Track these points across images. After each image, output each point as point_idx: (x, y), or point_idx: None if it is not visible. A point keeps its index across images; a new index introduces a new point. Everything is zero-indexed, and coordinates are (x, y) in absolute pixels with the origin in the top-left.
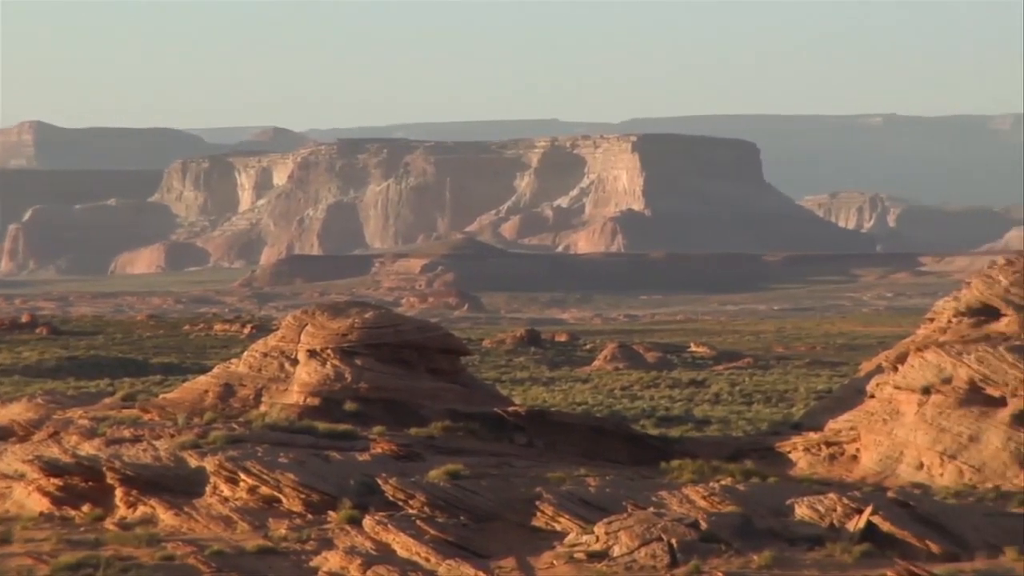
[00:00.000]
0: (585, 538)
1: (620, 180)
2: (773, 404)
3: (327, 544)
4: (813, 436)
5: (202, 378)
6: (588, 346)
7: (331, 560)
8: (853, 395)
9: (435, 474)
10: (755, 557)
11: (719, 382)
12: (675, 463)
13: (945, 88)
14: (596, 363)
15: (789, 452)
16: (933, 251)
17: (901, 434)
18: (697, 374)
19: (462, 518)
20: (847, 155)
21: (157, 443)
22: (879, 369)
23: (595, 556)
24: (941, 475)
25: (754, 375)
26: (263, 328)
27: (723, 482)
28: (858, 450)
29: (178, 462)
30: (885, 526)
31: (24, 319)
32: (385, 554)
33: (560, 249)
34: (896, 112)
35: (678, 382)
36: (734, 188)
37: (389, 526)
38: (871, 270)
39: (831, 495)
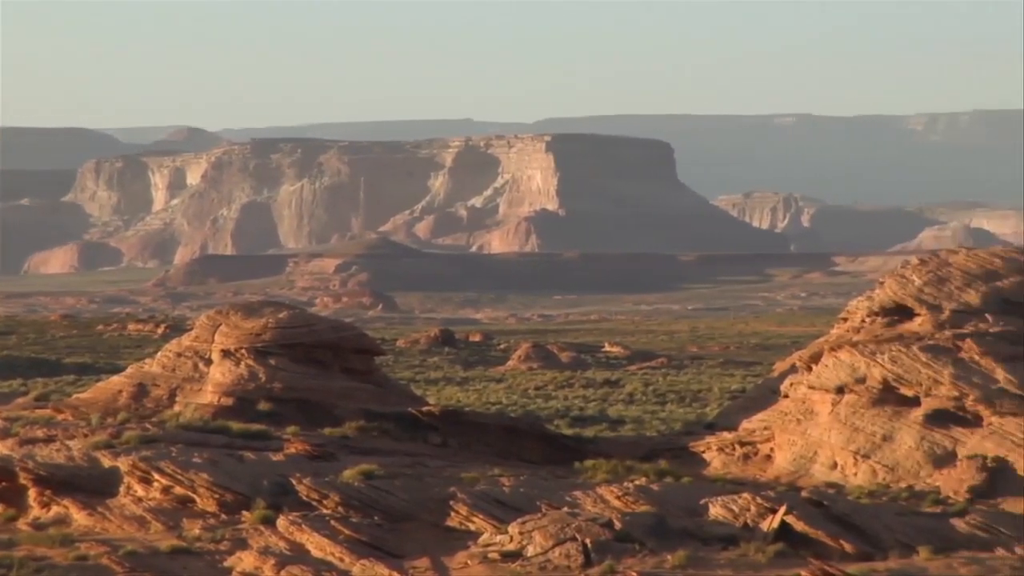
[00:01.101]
0: (499, 538)
1: (534, 180)
2: (687, 404)
3: (241, 544)
4: (727, 436)
5: (116, 378)
6: (502, 346)
7: (245, 560)
8: (767, 395)
9: (349, 474)
10: (669, 557)
11: (633, 382)
12: (589, 463)
13: (859, 88)
14: (510, 363)
15: (703, 452)
16: (847, 251)
17: (815, 434)
18: (611, 374)
19: (376, 518)
20: (761, 155)
21: (71, 443)
22: (793, 369)
23: (509, 556)
24: (855, 475)
25: (668, 375)
26: (177, 328)
27: (637, 482)
28: (772, 450)
29: (92, 462)
30: (799, 526)
31: None
32: (299, 554)
33: (474, 249)
34: (810, 112)
35: (592, 382)
36: (648, 188)
37: (303, 526)
38: (785, 270)
39: (745, 495)
